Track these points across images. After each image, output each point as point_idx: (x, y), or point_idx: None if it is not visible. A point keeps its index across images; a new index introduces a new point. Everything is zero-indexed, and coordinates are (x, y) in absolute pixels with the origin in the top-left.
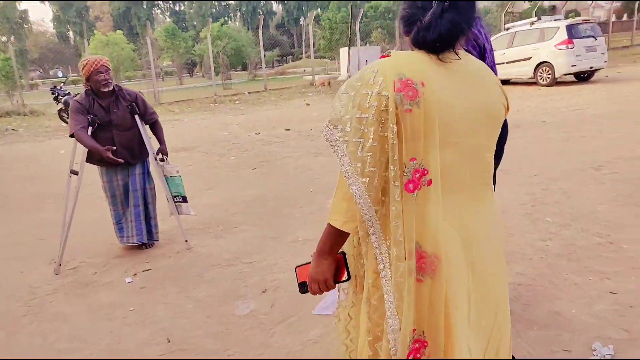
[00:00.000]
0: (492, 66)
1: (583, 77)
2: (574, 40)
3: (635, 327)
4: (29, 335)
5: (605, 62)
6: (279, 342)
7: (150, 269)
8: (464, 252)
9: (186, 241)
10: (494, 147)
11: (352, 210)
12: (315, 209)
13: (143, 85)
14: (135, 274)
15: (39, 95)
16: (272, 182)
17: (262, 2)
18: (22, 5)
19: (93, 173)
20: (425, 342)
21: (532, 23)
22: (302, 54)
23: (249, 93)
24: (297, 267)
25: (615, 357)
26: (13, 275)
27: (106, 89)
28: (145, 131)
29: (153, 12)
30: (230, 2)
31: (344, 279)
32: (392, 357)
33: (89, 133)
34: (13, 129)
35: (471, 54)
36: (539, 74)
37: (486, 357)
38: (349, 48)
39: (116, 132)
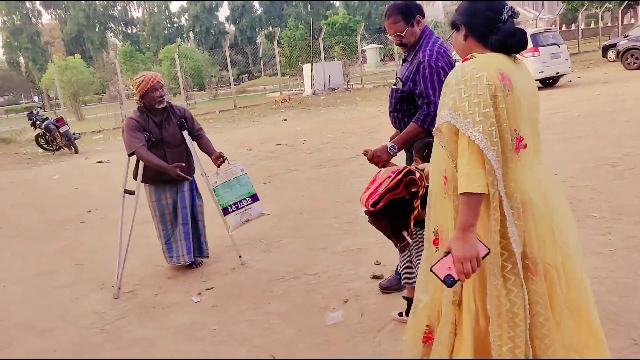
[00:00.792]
0: None
1: (549, 82)
2: (539, 48)
3: None
4: None
5: (569, 67)
6: (389, 349)
7: (212, 287)
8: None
9: (240, 257)
10: None
11: (485, 176)
12: (352, 218)
13: (110, 108)
14: (199, 293)
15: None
16: (291, 195)
17: (214, 23)
18: None
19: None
20: None
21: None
22: (259, 72)
23: (220, 111)
24: (432, 267)
25: None
26: (70, 303)
27: (161, 106)
28: (193, 147)
29: (106, 35)
30: (183, 23)
31: (485, 254)
32: None
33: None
34: None
35: None
36: None
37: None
38: (312, 64)
39: (168, 149)
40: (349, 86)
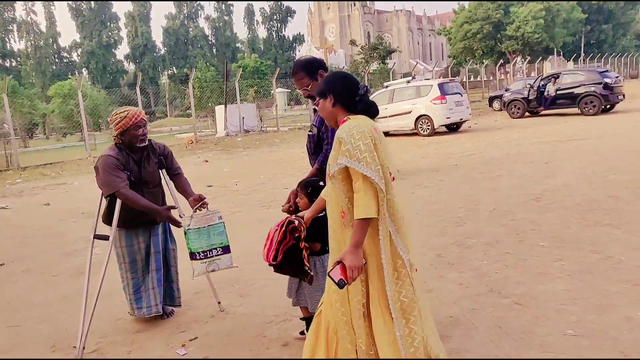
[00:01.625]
0: None
1: (453, 127)
2: (446, 96)
3: None
4: None
5: (470, 114)
6: None
7: (196, 337)
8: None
9: (219, 303)
10: None
11: (377, 204)
12: None
13: None
14: (183, 345)
15: None
16: (246, 237)
17: (112, 60)
18: None
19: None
20: None
21: (408, 82)
22: (163, 112)
23: None
24: (329, 273)
25: None
26: None
27: (142, 144)
28: (170, 186)
29: None
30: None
31: (364, 263)
32: None
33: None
34: None
35: None
36: (419, 125)
37: None
38: (225, 105)
39: (146, 189)
40: (263, 128)
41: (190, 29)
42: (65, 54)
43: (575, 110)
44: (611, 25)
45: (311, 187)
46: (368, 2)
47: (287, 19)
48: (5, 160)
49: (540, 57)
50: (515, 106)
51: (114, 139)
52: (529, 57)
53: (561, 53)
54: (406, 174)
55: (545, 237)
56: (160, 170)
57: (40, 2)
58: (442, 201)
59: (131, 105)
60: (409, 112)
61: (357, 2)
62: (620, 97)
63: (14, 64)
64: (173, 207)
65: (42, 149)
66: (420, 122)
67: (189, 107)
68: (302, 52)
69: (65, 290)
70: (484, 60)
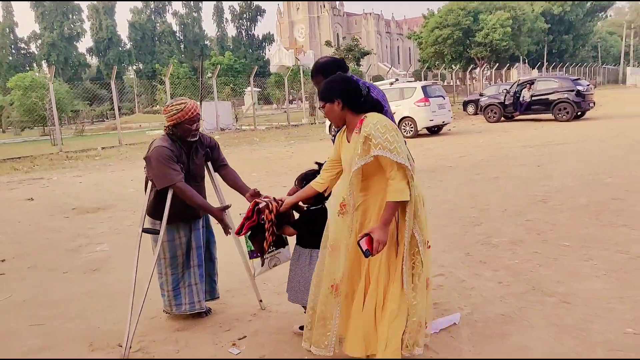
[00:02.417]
0: (391, 117)
1: (434, 130)
2: (429, 98)
3: None
4: None
5: (452, 117)
6: None
7: (245, 336)
8: None
9: (261, 301)
10: None
11: (408, 188)
12: None
13: None
14: (234, 344)
15: None
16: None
17: (74, 53)
18: None
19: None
20: None
21: (392, 84)
22: (129, 109)
23: (103, 148)
24: (358, 242)
25: None
26: None
27: (194, 139)
28: (215, 178)
29: None
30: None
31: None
32: None
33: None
34: None
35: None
36: (402, 127)
37: None
38: (201, 103)
39: (194, 183)
40: (238, 127)
41: (158, 24)
42: (23, 45)
43: (549, 116)
44: (572, 36)
45: (306, 180)
46: (338, 4)
47: (257, 18)
48: None
49: (507, 65)
50: (491, 110)
51: (165, 129)
52: (496, 64)
53: (526, 61)
54: None
55: (567, 237)
56: (207, 163)
57: None
58: (450, 201)
59: (97, 100)
60: (393, 114)
61: (326, 4)
62: (591, 104)
63: None
64: (227, 207)
65: (1, 143)
66: (404, 124)
67: (158, 104)
68: (272, 52)
69: (84, 287)
70: (453, 66)
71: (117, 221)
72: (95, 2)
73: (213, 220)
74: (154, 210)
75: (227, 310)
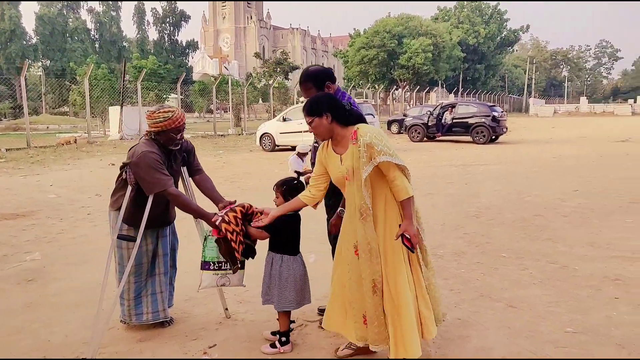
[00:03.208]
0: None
1: None
2: None
3: None
4: None
5: None
6: None
7: (215, 344)
8: None
9: (226, 309)
10: None
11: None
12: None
13: None
14: (205, 352)
15: None
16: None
17: None
18: None
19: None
20: None
21: None
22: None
23: (7, 150)
24: (404, 242)
25: None
26: None
27: (175, 148)
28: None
29: None
30: None
31: None
32: None
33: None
34: None
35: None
36: None
37: None
38: (122, 107)
39: None
40: None
41: (70, 19)
42: None
43: (468, 138)
44: (484, 66)
45: (286, 186)
46: (265, 16)
47: (180, 23)
48: None
49: (427, 88)
50: (415, 130)
51: (147, 134)
52: (417, 87)
53: (444, 85)
54: None
55: (503, 249)
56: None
57: None
58: None
59: None
60: None
61: (253, 15)
62: (505, 129)
63: None
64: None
65: None
66: None
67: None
68: (195, 59)
69: (22, 299)
70: (376, 85)
71: (43, 229)
72: None
73: (177, 227)
74: (131, 217)
75: (189, 320)
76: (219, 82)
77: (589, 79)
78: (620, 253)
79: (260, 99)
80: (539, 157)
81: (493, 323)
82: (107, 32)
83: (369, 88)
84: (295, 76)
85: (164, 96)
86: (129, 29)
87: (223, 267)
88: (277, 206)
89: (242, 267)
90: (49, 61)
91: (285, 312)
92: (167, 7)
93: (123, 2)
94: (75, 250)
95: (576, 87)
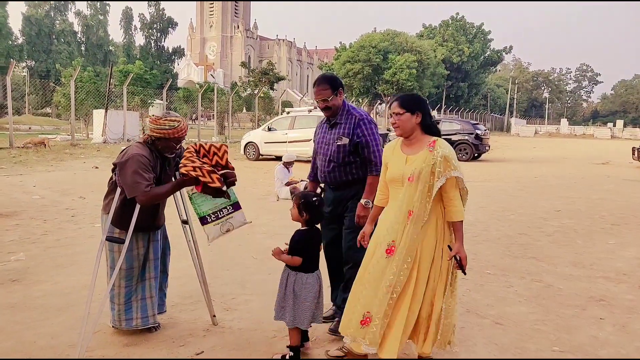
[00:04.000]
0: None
1: None
2: None
3: None
4: None
5: None
6: None
7: (202, 352)
8: None
9: (214, 316)
10: None
11: None
12: None
13: None
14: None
15: None
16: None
17: None
18: None
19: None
20: None
21: (310, 111)
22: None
23: None
24: (460, 264)
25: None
26: None
27: (170, 155)
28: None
29: None
30: None
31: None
32: None
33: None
34: None
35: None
36: None
37: None
38: (106, 110)
39: None
40: None
41: (57, 21)
42: None
43: None
44: (467, 84)
45: (304, 200)
46: (252, 26)
47: (168, 30)
48: None
49: None
50: None
51: (145, 137)
52: None
53: (427, 102)
54: None
55: (488, 266)
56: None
57: None
58: None
59: None
60: (309, 140)
61: (240, 25)
62: (487, 147)
63: None
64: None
65: None
66: None
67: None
68: (181, 66)
69: (6, 299)
70: (360, 100)
71: (27, 230)
72: None
73: (169, 232)
74: (120, 219)
75: (176, 326)
76: (204, 90)
77: (569, 101)
78: (604, 273)
79: (244, 108)
80: (523, 175)
81: (480, 339)
82: (93, 36)
83: (352, 102)
84: (281, 87)
85: (149, 101)
86: (115, 33)
87: (220, 216)
88: (292, 215)
89: (239, 208)
90: (34, 62)
91: (297, 328)
92: (155, 13)
93: (111, 7)
94: (60, 252)
95: (557, 108)
